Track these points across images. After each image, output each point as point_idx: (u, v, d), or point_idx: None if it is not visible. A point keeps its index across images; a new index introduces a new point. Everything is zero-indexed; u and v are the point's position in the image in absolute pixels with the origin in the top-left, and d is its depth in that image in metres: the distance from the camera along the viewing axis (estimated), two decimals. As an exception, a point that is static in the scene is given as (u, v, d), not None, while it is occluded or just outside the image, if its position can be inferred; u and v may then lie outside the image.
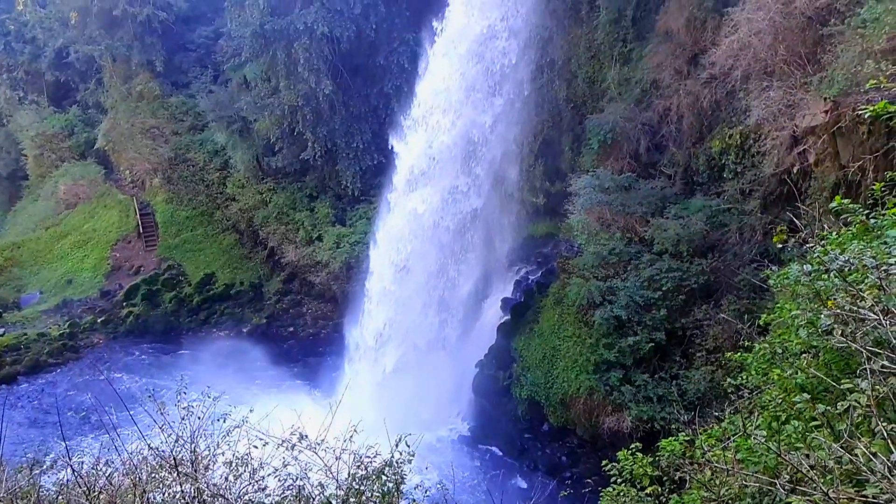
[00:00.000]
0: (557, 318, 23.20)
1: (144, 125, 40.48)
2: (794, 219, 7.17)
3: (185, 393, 9.00)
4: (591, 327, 21.40)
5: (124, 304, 35.59)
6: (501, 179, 27.57)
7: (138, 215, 39.50)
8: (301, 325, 35.31)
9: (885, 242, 5.05)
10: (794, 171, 17.22)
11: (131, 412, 9.02)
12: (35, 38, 45.00)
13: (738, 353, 8.24)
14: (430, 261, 26.96)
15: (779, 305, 7.42)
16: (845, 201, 5.92)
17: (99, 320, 34.88)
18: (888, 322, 4.29)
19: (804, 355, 5.75)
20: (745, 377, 7.93)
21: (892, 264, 4.52)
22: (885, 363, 4.12)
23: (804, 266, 5.34)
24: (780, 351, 6.56)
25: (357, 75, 33.53)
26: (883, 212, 5.89)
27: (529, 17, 25.24)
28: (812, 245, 5.47)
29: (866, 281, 4.66)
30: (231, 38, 35.41)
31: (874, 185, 6.34)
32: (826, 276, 5.12)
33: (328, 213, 34.34)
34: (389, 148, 29.85)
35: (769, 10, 15.87)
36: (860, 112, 6.67)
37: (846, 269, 4.85)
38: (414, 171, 27.05)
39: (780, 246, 6.43)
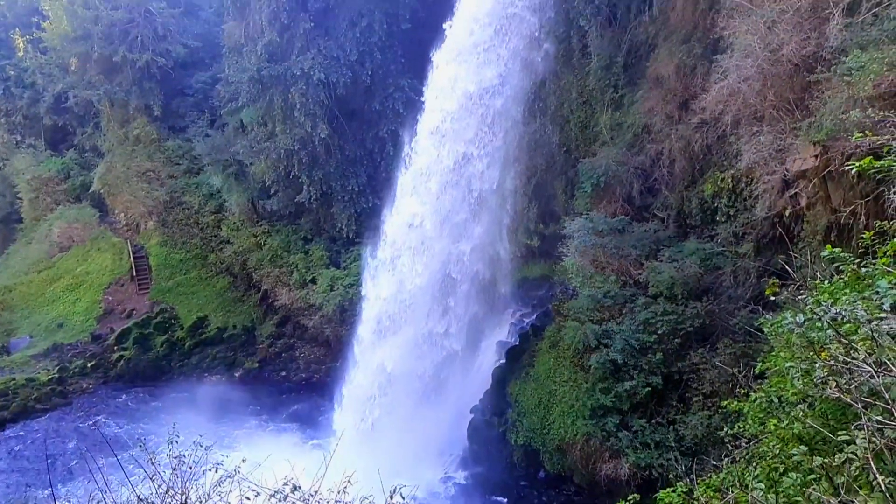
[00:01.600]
0: (553, 361, 22.96)
1: (140, 168, 40.71)
2: (787, 266, 7.13)
3: (176, 442, 8.83)
4: (587, 371, 21.16)
5: (115, 348, 35.18)
6: (496, 221, 27.65)
7: (132, 258, 39.40)
8: (294, 370, 34.89)
9: (877, 292, 5.01)
10: (787, 215, 17.29)
11: (119, 458, 8.80)
12: (35, 83, 45.56)
13: (735, 402, 8.11)
14: (424, 304, 26.76)
15: (773, 354, 7.34)
16: (836, 250, 5.90)
17: (89, 365, 34.41)
18: (882, 374, 4.22)
19: (800, 406, 5.66)
20: (742, 426, 7.79)
21: (882, 318, 4.48)
22: (880, 418, 4.02)
23: (797, 316, 5.28)
24: (776, 400, 6.45)
25: (353, 120, 33.92)
26: (873, 261, 5.87)
27: (523, 67, 25.56)
28: (805, 296, 5.41)
29: (859, 332, 4.60)
30: (228, 84, 35.88)
31: (865, 232, 6.32)
32: (820, 325, 5.06)
33: (322, 256, 34.28)
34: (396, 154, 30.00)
35: (757, 57, 16.13)
36: (847, 167, 6.69)
37: (839, 319, 4.79)
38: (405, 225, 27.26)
39: (775, 291, 6.36)
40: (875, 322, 4.46)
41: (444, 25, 27.36)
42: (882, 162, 5.95)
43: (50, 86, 44.55)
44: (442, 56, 27.00)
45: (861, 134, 6.99)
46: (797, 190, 16.43)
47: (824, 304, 5.02)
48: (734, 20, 17.22)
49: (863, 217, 13.73)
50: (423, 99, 27.83)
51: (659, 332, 19.96)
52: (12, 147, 46.91)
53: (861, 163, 5.92)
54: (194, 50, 41.95)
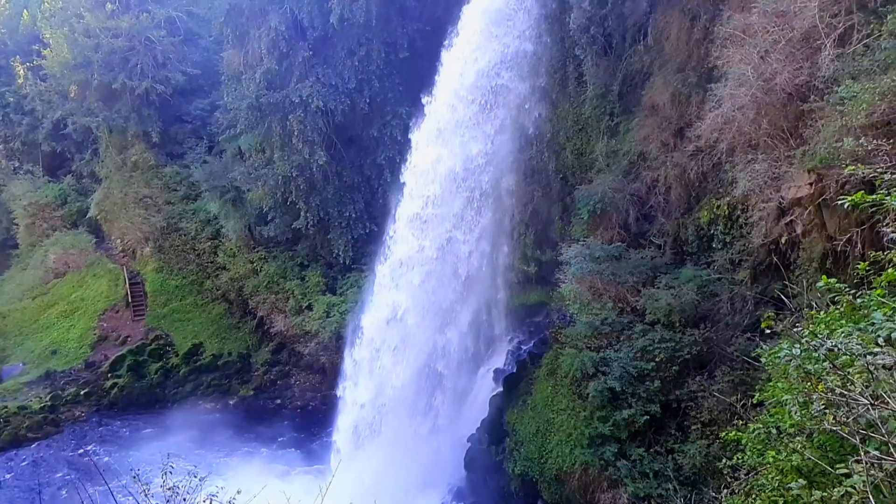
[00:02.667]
0: (551, 389, 22.76)
1: (138, 194, 40.74)
2: (784, 294, 7.10)
3: (170, 472, 8.69)
4: (585, 399, 20.96)
5: (109, 375, 34.88)
6: (494, 247, 27.61)
7: (127, 284, 39.24)
8: (289, 397, 34.59)
9: (873, 324, 4.98)
10: (783, 242, 17.29)
11: (111, 488, 8.68)
12: (34, 109, 45.86)
13: (733, 432, 8.01)
14: (421, 333, 26.40)
15: (771, 385, 7.27)
16: (832, 281, 5.88)
17: (82, 392, 34.09)
18: (878, 407, 4.17)
19: (798, 438, 5.59)
20: (741, 457, 7.69)
21: (876, 353, 4.45)
22: (878, 452, 3.96)
23: (793, 349, 5.24)
24: (774, 431, 6.38)
25: (350, 146, 34.11)
26: (869, 291, 5.85)
27: (512, 137, 25.69)
28: (800, 327, 5.38)
29: (855, 363, 4.56)
30: (227, 111, 36.14)
31: (860, 263, 6.31)
32: (817, 356, 5.02)
33: (319, 282, 34.19)
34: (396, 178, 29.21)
35: (751, 86, 16.28)
36: (839, 201, 6.70)
37: (835, 351, 4.75)
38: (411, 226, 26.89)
39: (770, 325, 6.32)
40: (870, 356, 4.43)
41: (423, 101, 26.84)
42: (874, 196, 5.97)
43: (49, 112, 44.82)
44: (422, 136, 26.44)
45: (853, 167, 7.01)
46: (792, 217, 16.47)
47: (820, 335, 4.98)
48: (728, 50, 17.42)
49: (858, 245, 13.74)
50: (402, 179, 27.09)
51: (657, 359, 19.83)
52: (10, 173, 47.02)
53: (853, 197, 5.94)
54: (193, 77, 42.27)
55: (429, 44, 30.38)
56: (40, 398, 33.34)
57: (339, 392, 27.97)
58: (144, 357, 35.75)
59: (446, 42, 26.93)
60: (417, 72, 30.35)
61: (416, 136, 27.16)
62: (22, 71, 45.59)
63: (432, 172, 25.54)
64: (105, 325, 37.81)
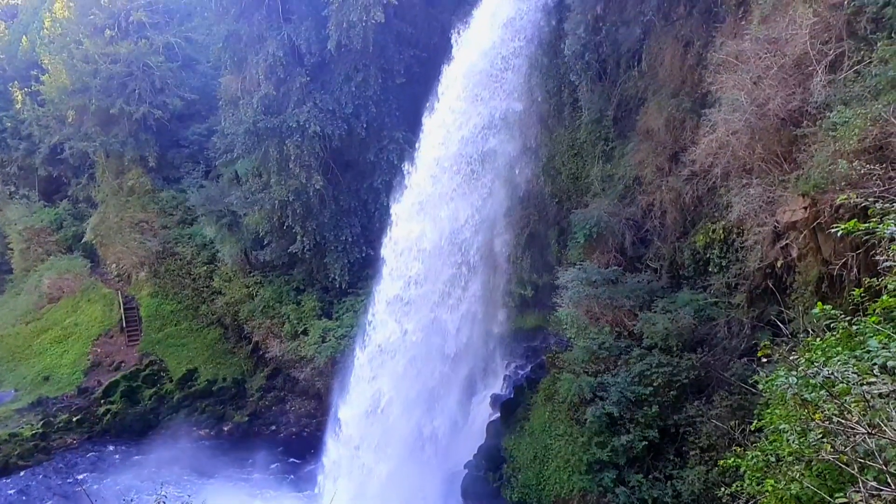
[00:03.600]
0: (548, 415, 22.59)
1: (134, 219, 40.73)
2: (780, 318, 7.06)
3: (163, 501, 8.56)
4: (583, 425, 20.78)
5: (102, 401, 34.52)
6: (491, 271, 27.53)
7: (122, 309, 39.03)
8: (284, 424, 34.25)
9: (868, 351, 4.95)
10: (778, 266, 17.30)
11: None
12: (31, 134, 46.03)
13: (732, 458, 7.92)
14: (405, 424, 25.40)
15: (769, 411, 7.20)
16: (828, 307, 5.85)
17: (74, 419, 33.68)
18: (875, 436, 4.13)
19: (797, 466, 5.53)
20: (740, 485, 7.59)
21: (872, 382, 4.41)
22: (875, 483, 3.90)
23: (790, 377, 5.20)
24: (773, 459, 6.31)
25: (347, 170, 34.20)
26: (864, 318, 5.83)
27: (503, 198, 25.63)
28: (797, 356, 5.34)
29: (853, 391, 4.53)
30: (224, 136, 36.26)
31: (855, 289, 6.30)
32: (814, 383, 4.98)
33: (315, 307, 34.04)
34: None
35: (744, 111, 16.40)
36: (833, 229, 6.73)
37: (832, 379, 4.72)
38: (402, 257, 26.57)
39: (767, 353, 6.28)
40: (865, 386, 4.40)
41: (405, 169, 26.23)
42: (866, 224, 5.98)
43: (46, 137, 44.98)
44: (402, 209, 25.75)
45: (845, 195, 7.05)
46: (788, 241, 16.49)
47: (816, 363, 4.95)
48: (721, 75, 17.58)
49: (854, 269, 13.74)
50: (382, 255, 26.27)
51: (654, 384, 19.72)
52: (6, 198, 47.08)
53: (846, 225, 5.95)
54: (191, 102, 42.52)
55: (425, 69, 30.63)
56: (32, 425, 32.94)
57: (316, 488, 26.74)
58: (138, 383, 35.43)
59: (428, 105, 26.51)
60: (414, 97, 30.56)
61: (396, 209, 26.29)
62: (20, 96, 45.84)
63: (414, 249, 24.68)
64: (99, 350, 37.52)
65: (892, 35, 13.65)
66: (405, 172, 26.21)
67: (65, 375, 36.29)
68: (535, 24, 24.65)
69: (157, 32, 41.76)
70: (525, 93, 25.12)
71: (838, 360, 4.91)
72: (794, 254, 16.48)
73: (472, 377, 25.75)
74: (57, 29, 43.57)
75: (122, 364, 36.62)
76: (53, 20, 44.17)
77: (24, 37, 49.36)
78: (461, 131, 24.96)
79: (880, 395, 4.41)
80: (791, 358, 5.63)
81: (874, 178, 12.25)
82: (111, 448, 32.82)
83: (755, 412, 13.45)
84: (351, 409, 25.72)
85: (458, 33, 26.66)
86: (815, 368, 4.76)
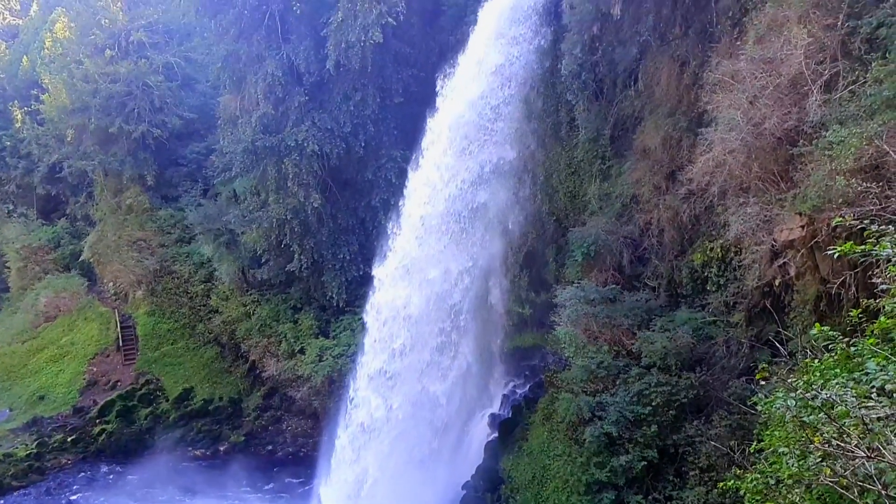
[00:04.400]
0: (547, 435, 22.41)
1: (131, 237, 40.70)
2: (778, 337, 7.02)
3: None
4: (582, 445, 20.61)
5: (97, 421, 34.25)
6: (487, 291, 27.46)
7: (119, 328, 38.85)
8: (280, 443, 33.97)
9: (867, 373, 4.92)
10: (776, 285, 17.26)
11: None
12: (30, 153, 46.18)
13: (732, 481, 7.83)
14: (405, 434, 24.87)
15: (768, 433, 7.13)
16: (825, 329, 5.82)
17: (69, 439, 33.41)
18: (875, 459, 4.07)
19: (797, 489, 5.45)
20: (739, 508, 7.50)
21: (871, 407, 4.37)
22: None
23: (788, 400, 5.15)
24: (773, 482, 6.23)
25: (345, 189, 34.26)
26: (862, 338, 5.80)
27: (500, 209, 25.46)
28: (796, 378, 5.29)
29: (851, 414, 4.48)
30: (222, 154, 36.37)
31: (853, 309, 6.27)
32: (813, 404, 4.93)
33: (312, 325, 33.92)
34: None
35: (741, 130, 16.45)
36: (829, 251, 6.73)
37: (831, 401, 4.67)
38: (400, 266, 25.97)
39: (765, 375, 6.23)
40: (863, 411, 4.35)
41: (389, 229, 25.24)
42: (862, 247, 5.98)
43: (45, 156, 45.13)
44: (386, 273, 24.89)
45: (841, 217, 7.04)
46: (786, 260, 16.45)
47: (815, 386, 4.90)
48: (717, 95, 17.67)
49: (852, 288, 13.70)
50: (364, 319, 25.49)
51: (653, 403, 19.58)
52: (4, 216, 47.10)
53: (842, 247, 5.94)
54: (189, 121, 42.69)
55: (424, 89, 30.79)
56: (26, 445, 32.65)
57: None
58: (134, 402, 35.18)
59: (413, 159, 25.93)
60: (412, 116, 30.70)
61: (379, 272, 25.42)
62: (20, 115, 46.05)
63: (400, 317, 23.84)
64: (95, 369, 37.29)
65: (887, 55, 13.74)
66: (389, 233, 25.13)
67: (60, 395, 36.03)
68: (529, 67, 24.19)
69: (156, 52, 42.05)
70: (518, 139, 24.55)
71: (837, 383, 4.87)
72: (792, 272, 16.44)
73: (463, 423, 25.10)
74: (58, 49, 43.88)
75: (118, 383, 36.39)
76: (54, 40, 44.52)
77: (24, 56, 49.71)
78: (448, 188, 24.17)
79: (878, 419, 4.36)
80: (789, 380, 5.58)
81: (871, 196, 12.27)
82: (105, 469, 32.49)
83: (755, 432, 13.34)
84: (333, 491, 24.70)
85: (444, 79, 25.96)
86: (814, 391, 4.72)
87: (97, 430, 33.97)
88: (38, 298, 42.02)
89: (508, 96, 24.14)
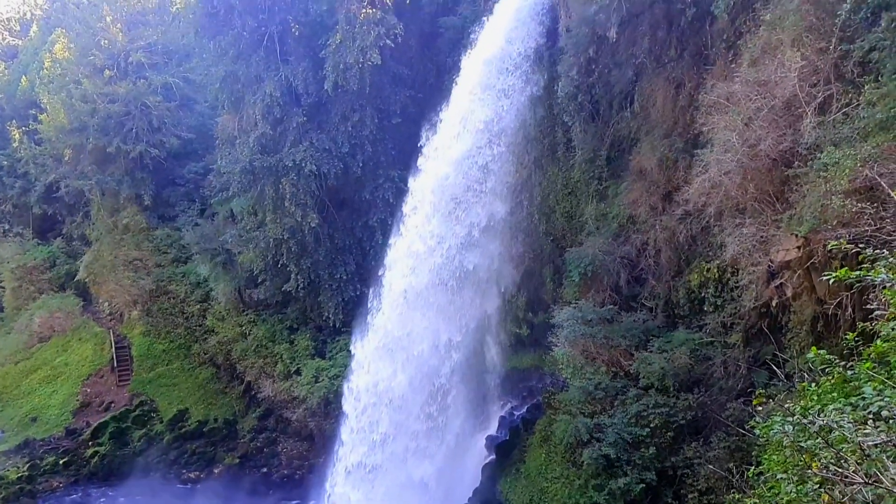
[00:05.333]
0: (544, 457, 22.23)
1: (128, 257, 40.59)
2: (774, 366, 6.99)
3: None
4: (580, 467, 20.44)
5: (90, 443, 33.88)
6: (483, 350, 27.04)
7: (113, 348, 38.59)
8: (276, 466, 33.59)
9: (864, 397, 4.91)
10: (773, 305, 17.26)
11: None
12: (27, 173, 46.20)
13: (730, 505, 7.76)
14: (397, 466, 24.44)
15: (766, 457, 7.07)
16: (822, 352, 5.81)
17: (61, 462, 33.00)
18: (873, 486, 4.03)
19: (797, 516, 5.41)
20: (739, 533, 7.42)
21: (868, 434, 4.35)
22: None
23: (786, 426, 5.12)
24: (772, 509, 6.18)
25: (343, 209, 34.30)
26: (859, 361, 5.79)
27: (490, 269, 25.27)
28: (793, 404, 5.26)
29: (849, 439, 4.46)
30: (220, 174, 36.41)
31: (849, 332, 6.25)
32: (811, 428, 4.90)
33: (308, 346, 33.74)
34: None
35: (736, 152, 16.55)
36: (825, 277, 6.75)
37: (828, 427, 4.65)
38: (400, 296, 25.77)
39: (762, 401, 6.19)
40: (860, 438, 4.33)
41: (369, 301, 24.05)
42: (857, 273, 6.00)
43: (42, 176, 45.15)
44: (365, 353, 23.85)
45: (836, 242, 7.06)
46: (782, 281, 16.47)
47: (812, 412, 4.88)
48: (713, 116, 17.80)
49: (849, 309, 13.70)
50: (343, 409, 24.70)
51: (651, 425, 19.47)
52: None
53: (837, 273, 5.97)
54: (187, 141, 42.81)
55: (421, 110, 30.99)
56: (18, 468, 32.25)
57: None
58: (128, 424, 34.85)
59: (395, 225, 25.20)
60: (410, 136, 30.82)
61: (358, 352, 24.47)
62: (17, 135, 46.13)
63: (381, 403, 23.03)
64: (88, 390, 36.97)
65: (879, 79, 13.87)
66: (370, 309, 23.93)
67: (53, 416, 35.66)
68: (520, 118, 23.77)
69: (155, 73, 42.26)
70: (510, 195, 24.01)
71: (833, 409, 4.85)
72: (789, 293, 16.45)
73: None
74: (57, 69, 44.08)
75: (112, 404, 36.05)
76: (54, 61, 44.73)
77: (23, 77, 49.91)
78: (434, 257, 23.53)
79: (875, 446, 4.34)
80: (787, 405, 5.56)
81: (865, 216, 12.32)
82: (97, 492, 32.10)
83: (753, 454, 13.25)
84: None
85: (427, 139, 25.30)
86: (811, 417, 4.70)
87: (90, 452, 33.60)
88: (33, 318, 41.76)
89: (498, 154, 23.33)
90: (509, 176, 23.45)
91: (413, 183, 25.07)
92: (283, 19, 31.99)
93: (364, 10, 29.53)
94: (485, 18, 25.32)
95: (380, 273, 25.10)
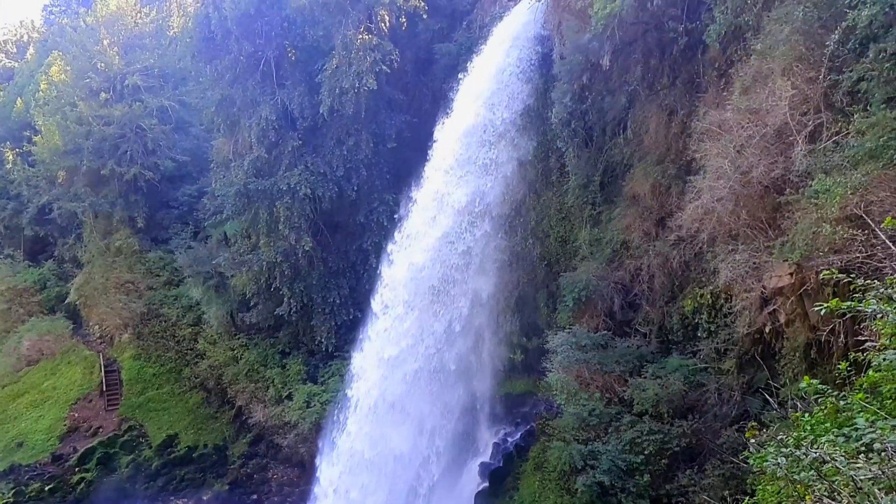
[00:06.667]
0: (538, 485, 21.99)
1: (119, 280, 40.31)
2: (767, 395, 6.97)
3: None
4: (574, 495, 20.20)
5: (77, 469, 33.29)
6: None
7: (103, 372, 38.12)
8: (266, 493, 33.08)
9: (856, 428, 4.89)
10: (767, 332, 17.26)
11: None
12: (20, 194, 46.04)
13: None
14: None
15: (760, 487, 7.02)
16: (814, 382, 5.80)
17: (47, 488, 32.38)
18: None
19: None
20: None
21: (859, 467, 4.33)
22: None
23: (779, 458, 5.08)
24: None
25: (337, 232, 34.28)
26: (852, 391, 5.78)
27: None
28: (786, 436, 5.23)
29: (841, 472, 4.43)
30: (214, 197, 36.43)
31: (841, 361, 6.25)
32: (804, 458, 4.87)
33: (300, 370, 33.47)
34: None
35: (728, 178, 16.66)
36: (816, 308, 6.77)
37: (821, 458, 4.62)
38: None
39: (754, 434, 6.16)
40: (852, 473, 4.30)
41: (352, 366, 23.63)
42: (849, 303, 6.02)
43: (35, 197, 45.02)
44: (352, 422, 23.23)
45: (828, 271, 7.10)
46: (775, 307, 16.50)
47: (805, 443, 4.86)
48: (705, 143, 17.94)
49: (841, 336, 13.70)
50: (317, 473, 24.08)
51: (645, 452, 19.34)
52: (-10, 257, 46.61)
53: (828, 304, 5.99)
54: (182, 164, 42.86)
55: (416, 134, 31.20)
56: (3, 494, 31.63)
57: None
58: (115, 449, 34.31)
59: (362, 335, 24.65)
60: (405, 161, 31.01)
61: (339, 439, 23.64)
62: (11, 156, 46.09)
63: (369, 472, 22.54)
64: (76, 415, 36.39)
65: (868, 108, 14.04)
66: (352, 375, 22.88)
67: (39, 442, 35.05)
68: (510, 191, 23.60)
69: (151, 96, 42.40)
70: (496, 271, 23.49)
71: (826, 440, 4.84)
72: (782, 319, 16.47)
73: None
74: (52, 91, 44.21)
75: (100, 429, 35.50)
76: (50, 83, 44.87)
77: (18, 99, 50.01)
78: (420, 346, 22.89)
79: (868, 479, 4.31)
80: (779, 437, 5.53)
81: (857, 243, 12.37)
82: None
83: (748, 482, 13.14)
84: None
85: (399, 220, 24.63)
86: (804, 449, 4.68)
87: (76, 478, 33.02)
88: (21, 341, 41.19)
89: (482, 235, 22.74)
90: (496, 252, 22.55)
91: (386, 272, 23.68)
92: (279, 44, 32.29)
93: (361, 36, 29.87)
94: (461, 77, 24.74)
95: (348, 393, 23.23)
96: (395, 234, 23.65)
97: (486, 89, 22.35)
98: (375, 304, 24.05)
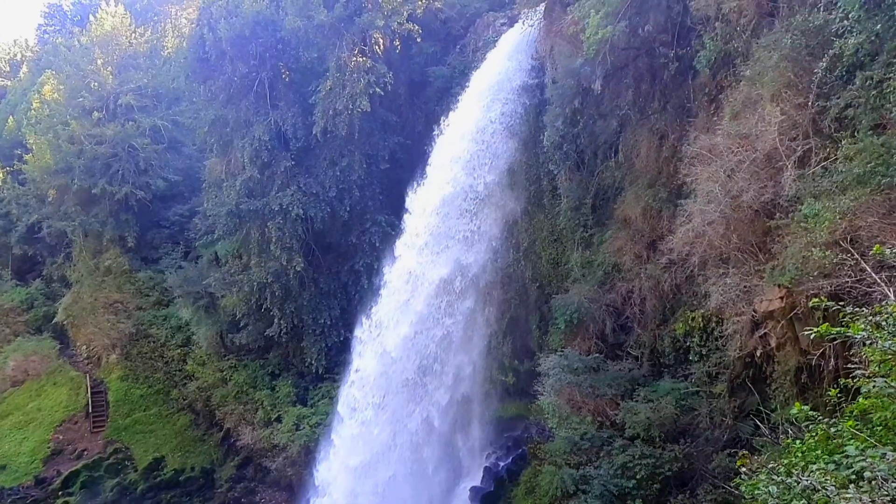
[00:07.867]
0: (529, 510, 21.74)
1: (108, 299, 39.98)
2: (759, 422, 6.93)
3: None
4: (565, 521, 19.99)
5: (60, 493, 32.79)
6: (471, 360, 26.99)
7: (89, 393, 37.63)
8: (253, 518, 32.60)
9: (847, 456, 4.87)
10: (758, 355, 17.24)
11: None
12: (9, 212, 45.84)
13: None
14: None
15: (754, 515, 6.95)
16: (805, 408, 5.78)
17: (29, 512, 31.80)
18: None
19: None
20: None
21: (850, 497, 4.30)
22: None
23: (770, 487, 5.04)
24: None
25: (328, 253, 34.20)
26: (842, 418, 5.77)
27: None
28: (777, 464, 5.20)
29: (832, 501, 4.40)
30: (206, 217, 36.33)
31: (832, 387, 6.24)
32: (795, 490, 4.84)
33: (290, 392, 33.16)
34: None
35: (719, 202, 16.74)
36: (806, 332, 6.79)
37: (812, 486, 4.59)
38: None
39: (745, 462, 6.12)
40: (844, 500, 4.27)
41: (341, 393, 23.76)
42: (838, 329, 6.04)
43: (24, 216, 44.84)
44: (333, 466, 23.42)
45: (818, 298, 7.12)
46: (766, 331, 16.49)
47: (796, 470, 4.83)
48: (696, 167, 18.04)
49: (832, 360, 13.70)
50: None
51: (637, 476, 19.17)
52: (-23, 277, 46.19)
53: (818, 329, 6.01)
54: (174, 183, 42.79)
55: (409, 155, 31.33)
56: (-17, 518, 31.04)
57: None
58: (100, 472, 33.79)
59: (369, 310, 24.90)
60: (398, 181, 31.07)
61: (322, 475, 23.42)
62: (1, 175, 45.95)
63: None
64: (61, 437, 35.86)
65: (855, 134, 14.20)
66: (338, 418, 22.76)
67: (22, 464, 34.47)
68: (498, 259, 23.93)
69: (144, 115, 42.46)
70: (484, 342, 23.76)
71: (817, 468, 4.81)
72: (773, 343, 16.45)
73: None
74: (45, 110, 44.21)
75: (85, 452, 34.97)
76: (42, 101, 44.91)
77: (10, 117, 49.96)
78: (392, 452, 22.81)
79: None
80: (770, 465, 5.50)
81: (846, 268, 12.42)
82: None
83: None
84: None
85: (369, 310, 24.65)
86: (795, 477, 4.64)
87: (59, 502, 32.48)
88: (7, 362, 40.65)
89: (465, 311, 22.52)
90: (485, 324, 22.38)
91: (365, 327, 23.41)
92: (273, 65, 32.45)
93: (355, 59, 30.06)
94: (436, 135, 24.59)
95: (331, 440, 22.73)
96: (364, 320, 22.71)
97: (465, 151, 21.61)
98: (341, 405, 23.39)
